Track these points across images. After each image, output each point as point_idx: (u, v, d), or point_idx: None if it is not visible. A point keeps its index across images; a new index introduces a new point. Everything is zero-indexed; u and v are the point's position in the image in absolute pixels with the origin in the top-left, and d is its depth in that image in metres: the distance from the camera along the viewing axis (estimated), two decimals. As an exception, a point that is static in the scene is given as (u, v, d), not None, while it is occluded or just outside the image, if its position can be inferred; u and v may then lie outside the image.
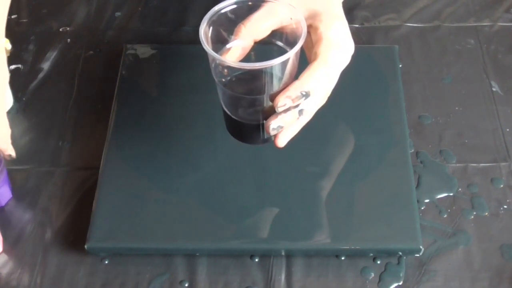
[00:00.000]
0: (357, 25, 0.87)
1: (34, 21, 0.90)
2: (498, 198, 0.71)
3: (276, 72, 0.60)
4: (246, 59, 0.60)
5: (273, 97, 0.58)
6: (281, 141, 0.61)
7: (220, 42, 0.61)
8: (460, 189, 0.72)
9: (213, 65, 0.61)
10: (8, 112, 0.80)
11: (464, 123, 0.77)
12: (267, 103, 0.60)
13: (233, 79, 0.62)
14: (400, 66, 0.81)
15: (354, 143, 0.73)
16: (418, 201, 0.70)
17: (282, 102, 0.57)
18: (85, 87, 0.82)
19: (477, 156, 0.74)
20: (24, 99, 0.81)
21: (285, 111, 0.58)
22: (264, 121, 0.60)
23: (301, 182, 0.70)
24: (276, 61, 0.57)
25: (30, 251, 0.69)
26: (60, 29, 0.89)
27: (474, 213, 0.70)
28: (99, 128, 0.77)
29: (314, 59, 0.59)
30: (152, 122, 0.75)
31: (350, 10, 0.89)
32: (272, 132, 0.59)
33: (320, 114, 0.74)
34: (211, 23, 0.60)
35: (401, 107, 0.75)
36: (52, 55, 0.86)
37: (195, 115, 0.75)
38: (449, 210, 0.70)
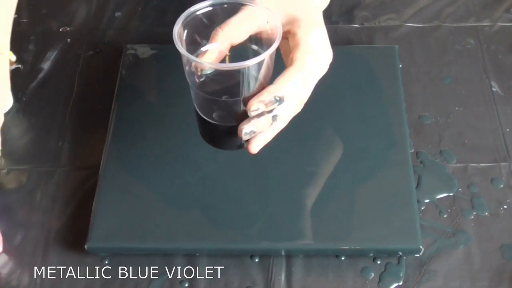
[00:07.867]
0: (357, 25, 0.87)
1: (34, 21, 0.90)
2: (498, 198, 0.71)
3: (251, 74, 0.58)
4: (221, 62, 0.59)
5: (246, 101, 0.57)
6: (254, 147, 0.59)
7: (193, 44, 0.60)
8: (460, 189, 0.72)
9: (186, 67, 0.59)
10: (8, 112, 0.80)
11: (464, 123, 0.77)
12: (241, 106, 0.59)
13: (207, 80, 0.60)
14: (400, 66, 0.80)
15: (354, 143, 0.73)
16: (418, 201, 0.70)
17: (255, 106, 0.56)
18: (85, 87, 0.82)
19: (477, 156, 0.74)
20: (24, 99, 0.81)
21: (258, 115, 0.57)
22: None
23: (301, 182, 0.70)
24: (251, 62, 0.56)
25: (30, 251, 0.69)
26: (60, 29, 0.89)
27: (474, 213, 0.70)
28: (99, 128, 0.77)
29: (290, 65, 0.58)
30: (152, 122, 0.75)
31: (350, 10, 0.89)
32: (245, 137, 0.58)
33: (320, 114, 0.75)
34: (185, 24, 0.59)
35: (401, 107, 0.75)
36: (52, 55, 0.86)
37: (195, 115, 0.75)
38: (449, 210, 0.70)
